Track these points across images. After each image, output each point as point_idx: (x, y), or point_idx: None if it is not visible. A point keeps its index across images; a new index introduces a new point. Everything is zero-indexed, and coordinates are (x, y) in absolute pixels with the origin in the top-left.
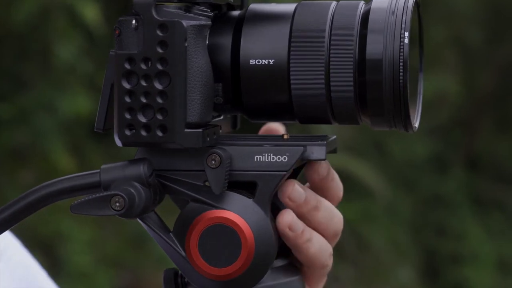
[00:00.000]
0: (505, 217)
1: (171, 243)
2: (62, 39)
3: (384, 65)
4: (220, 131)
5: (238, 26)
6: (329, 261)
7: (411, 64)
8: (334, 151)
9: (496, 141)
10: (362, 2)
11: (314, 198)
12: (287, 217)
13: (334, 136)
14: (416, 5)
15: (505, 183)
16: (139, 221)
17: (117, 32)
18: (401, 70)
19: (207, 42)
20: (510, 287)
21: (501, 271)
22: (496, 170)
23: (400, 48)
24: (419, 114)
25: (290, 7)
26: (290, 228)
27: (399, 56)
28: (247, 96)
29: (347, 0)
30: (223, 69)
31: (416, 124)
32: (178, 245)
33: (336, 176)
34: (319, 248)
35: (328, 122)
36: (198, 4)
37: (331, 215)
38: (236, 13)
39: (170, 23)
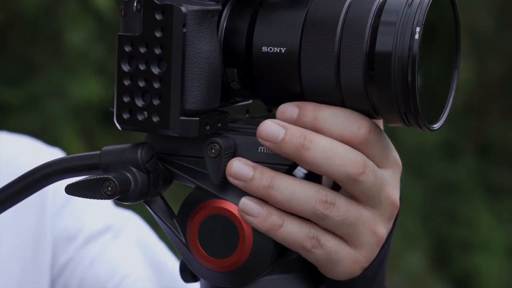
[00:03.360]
0: None
1: (173, 229)
2: (73, 24)
3: (393, 60)
4: (247, 115)
5: (256, 10)
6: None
7: (441, 58)
8: None
9: (507, 128)
10: None
11: (299, 135)
12: (230, 165)
13: None
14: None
15: None
16: (145, 205)
17: (122, 13)
18: (410, 67)
19: (224, 25)
20: None
21: (511, 258)
22: (507, 157)
23: (410, 44)
24: (447, 112)
25: None
26: (235, 176)
27: (408, 52)
28: (260, 83)
29: None
30: (239, 54)
31: (439, 123)
32: (180, 232)
33: (326, 115)
34: (290, 195)
35: None
36: None
37: (329, 155)
38: None
39: (168, 8)
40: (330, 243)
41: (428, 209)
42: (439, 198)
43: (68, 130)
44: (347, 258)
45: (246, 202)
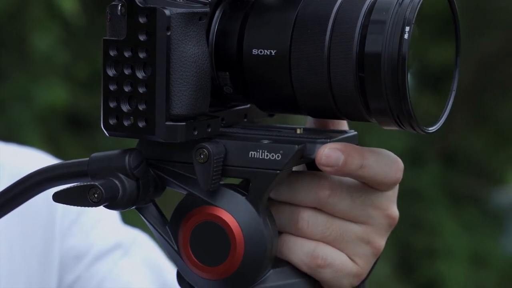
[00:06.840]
0: (480, 211)
1: (165, 236)
2: (39, 30)
3: (382, 61)
4: (245, 120)
5: (247, 12)
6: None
7: (442, 58)
8: None
9: (471, 135)
10: None
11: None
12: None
13: (354, 132)
14: None
15: (480, 177)
16: (137, 212)
17: (108, 18)
18: (399, 68)
19: (216, 28)
20: (483, 281)
21: (475, 265)
22: (471, 165)
23: (399, 43)
24: (446, 114)
25: None
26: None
27: (398, 52)
28: (252, 87)
29: None
30: (230, 58)
31: (437, 125)
32: (172, 239)
33: (371, 162)
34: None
35: (337, 118)
36: None
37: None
38: None
39: (151, 11)
40: (337, 261)
41: None
42: (404, 205)
43: (33, 136)
44: (350, 274)
45: None
